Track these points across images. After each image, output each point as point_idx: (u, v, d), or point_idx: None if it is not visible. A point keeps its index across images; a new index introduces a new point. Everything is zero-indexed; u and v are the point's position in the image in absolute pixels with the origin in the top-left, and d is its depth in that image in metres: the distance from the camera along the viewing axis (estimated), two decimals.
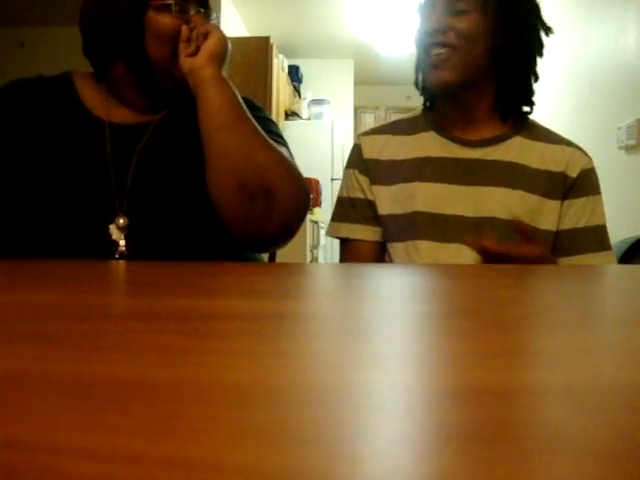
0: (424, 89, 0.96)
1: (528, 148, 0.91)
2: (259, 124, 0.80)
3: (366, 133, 1.01)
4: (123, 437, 0.12)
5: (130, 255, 0.76)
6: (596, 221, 0.88)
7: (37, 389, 0.16)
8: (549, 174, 0.89)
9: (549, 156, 0.90)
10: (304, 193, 0.79)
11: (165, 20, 0.81)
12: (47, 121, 0.82)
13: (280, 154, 0.78)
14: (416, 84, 0.96)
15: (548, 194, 0.88)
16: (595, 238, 0.88)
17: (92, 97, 0.86)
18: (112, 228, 0.76)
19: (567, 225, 0.88)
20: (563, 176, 0.89)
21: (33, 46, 3.97)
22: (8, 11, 3.70)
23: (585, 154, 0.92)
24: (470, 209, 0.88)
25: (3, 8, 3.63)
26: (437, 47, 0.86)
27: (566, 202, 0.89)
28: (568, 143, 0.93)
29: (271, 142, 0.78)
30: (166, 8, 0.80)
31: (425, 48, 0.88)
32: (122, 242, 0.76)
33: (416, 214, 0.90)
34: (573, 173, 0.89)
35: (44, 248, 0.76)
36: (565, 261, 0.87)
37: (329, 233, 0.99)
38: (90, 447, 0.12)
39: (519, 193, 0.88)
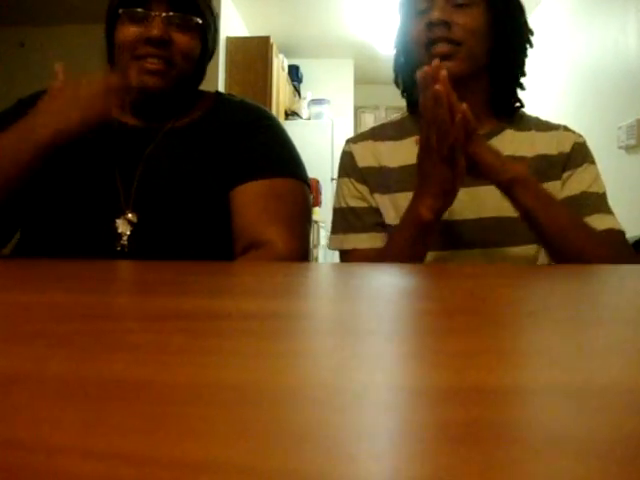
0: (410, 91, 0.95)
1: (520, 139, 0.91)
2: (253, 151, 0.85)
3: (355, 139, 0.97)
4: (123, 437, 0.12)
5: (130, 251, 0.77)
6: (597, 188, 0.88)
7: (37, 389, 0.16)
8: (546, 158, 0.89)
9: (542, 143, 0.90)
10: None
11: (120, 30, 0.81)
12: None
13: None
14: (401, 86, 0.95)
15: (549, 178, 0.88)
16: (601, 202, 0.87)
17: None
18: (119, 222, 0.79)
19: (571, 192, 0.87)
20: (559, 155, 0.89)
21: (33, 46, 3.95)
22: (8, 11, 3.70)
23: (574, 132, 0.93)
24: (473, 211, 0.87)
25: (3, 8, 3.63)
26: (441, 43, 0.82)
27: (565, 174, 0.89)
28: (557, 127, 0.93)
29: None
30: (123, 17, 0.81)
31: (425, 44, 0.84)
32: (125, 237, 0.78)
33: None
34: (567, 148, 0.90)
35: (51, 237, 0.81)
36: None
37: (332, 246, 0.94)
38: (89, 447, 0.12)
39: None
